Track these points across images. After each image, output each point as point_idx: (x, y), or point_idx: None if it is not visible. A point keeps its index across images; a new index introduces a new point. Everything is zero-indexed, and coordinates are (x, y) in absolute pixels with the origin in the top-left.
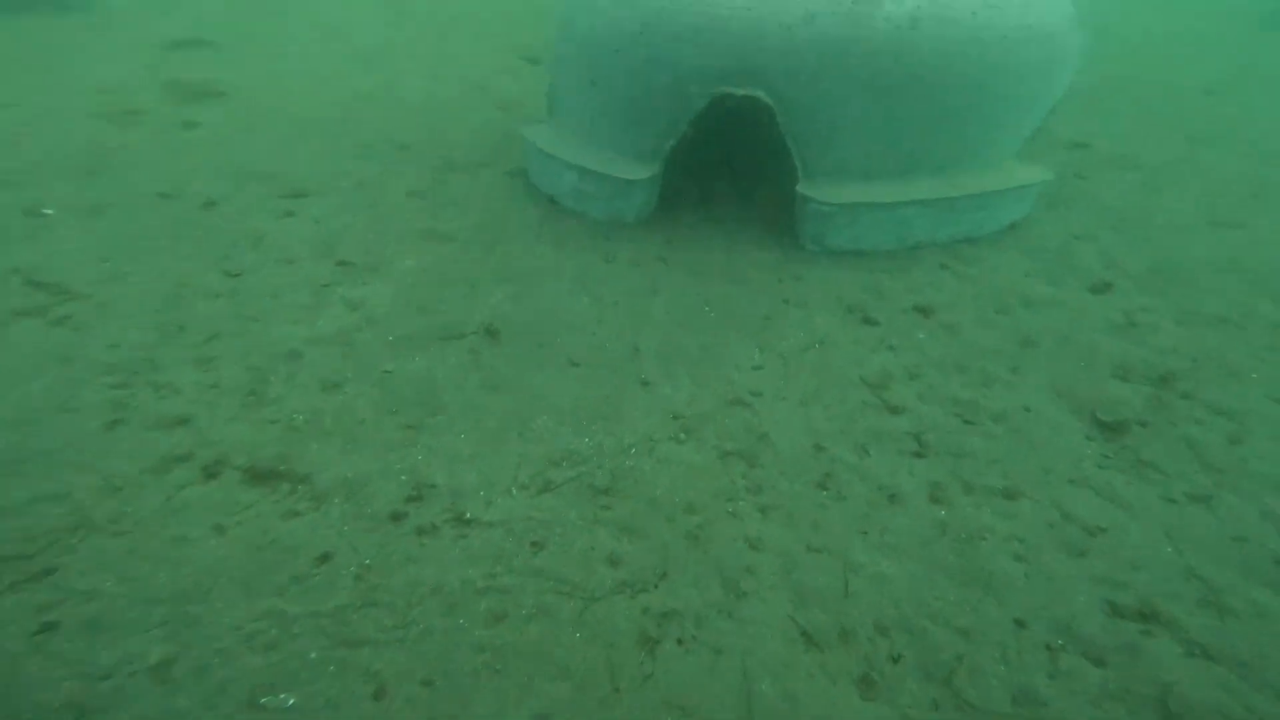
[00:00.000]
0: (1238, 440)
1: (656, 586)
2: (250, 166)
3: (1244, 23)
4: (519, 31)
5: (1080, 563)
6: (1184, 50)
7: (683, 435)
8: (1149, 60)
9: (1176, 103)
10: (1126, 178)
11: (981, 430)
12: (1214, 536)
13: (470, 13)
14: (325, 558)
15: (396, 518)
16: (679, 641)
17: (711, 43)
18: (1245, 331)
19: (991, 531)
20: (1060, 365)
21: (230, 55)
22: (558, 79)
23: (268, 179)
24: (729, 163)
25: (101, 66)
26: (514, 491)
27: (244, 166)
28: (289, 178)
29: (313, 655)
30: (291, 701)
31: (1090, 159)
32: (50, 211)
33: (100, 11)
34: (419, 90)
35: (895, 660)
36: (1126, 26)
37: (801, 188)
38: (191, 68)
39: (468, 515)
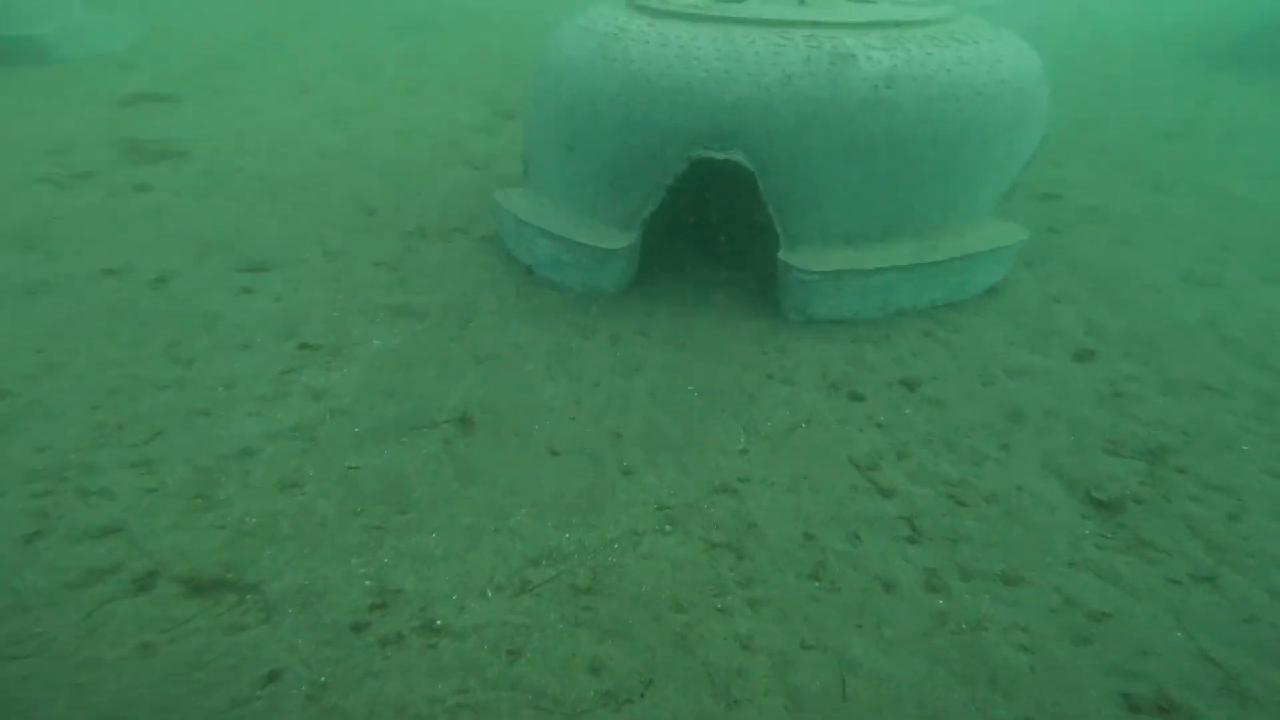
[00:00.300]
0: (1237, 517)
1: (643, 696)
2: (207, 235)
3: (1185, 63)
4: (493, 84)
5: (1088, 651)
6: (1138, 93)
7: (668, 527)
8: (1107, 104)
9: (1139, 148)
10: (1099, 231)
11: (975, 512)
12: (1224, 618)
13: (442, 66)
14: (272, 676)
15: (358, 628)
16: None
17: (690, 104)
18: (1232, 400)
19: (992, 621)
20: (1050, 440)
21: (191, 111)
22: (532, 142)
23: (226, 250)
24: (709, 224)
25: (51, 124)
26: (489, 594)
27: (200, 235)
28: (250, 248)
29: None
30: None
31: (1062, 211)
32: None
33: (55, 64)
34: (389, 149)
35: None
36: (1076, 72)
37: (783, 255)
38: (149, 124)
39: (438, 622)
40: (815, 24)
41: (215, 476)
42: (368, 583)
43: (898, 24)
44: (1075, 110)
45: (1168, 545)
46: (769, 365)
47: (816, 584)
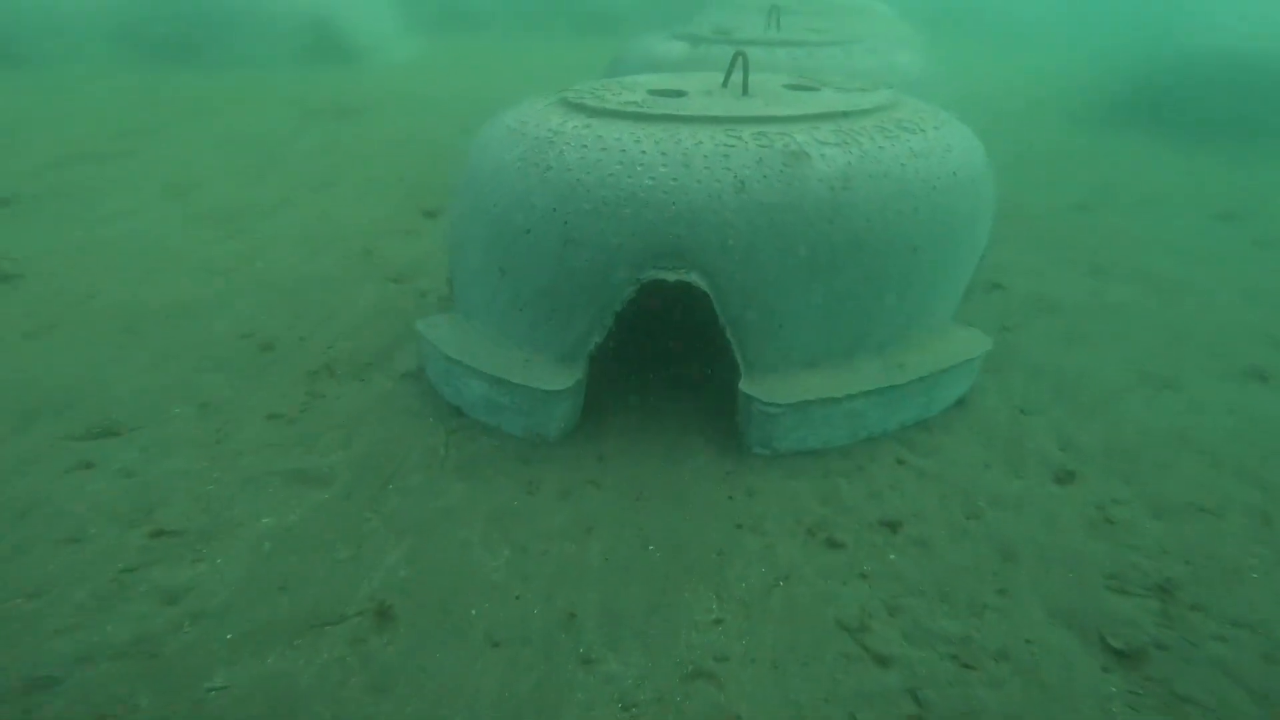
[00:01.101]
0: (1272, 658)
1: None
2: (36, 390)
3: (1073, 125)
4: (416, 176)
5: None
6: (1042, 161)
7: None
8: (1017, 175)
9: (1061, 224)
10: (1049, 327)
11: (985, 675)
12: None
13: (358, 156)
14: None
15: None
16: None
17: (636, 218)
18: (1226, 522)
19: None
20: (1049, 581)
21: (29, 220)
22: (459, 263)
23: (63, 410)
24: (660, 345)
25: None
26: None
27: (27, 390)
28: (96, 406)
29: None
30: None
31: (1010, 303)
32: None
33: None
34: (290, 263)
35: None
36: (982, 140)
37: (745, 386)
38: None
39: None
40: (764, 119)
41: None
42: None
43: (845, 114)
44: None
45: (1208, 699)
46: (737, 512)
47: None
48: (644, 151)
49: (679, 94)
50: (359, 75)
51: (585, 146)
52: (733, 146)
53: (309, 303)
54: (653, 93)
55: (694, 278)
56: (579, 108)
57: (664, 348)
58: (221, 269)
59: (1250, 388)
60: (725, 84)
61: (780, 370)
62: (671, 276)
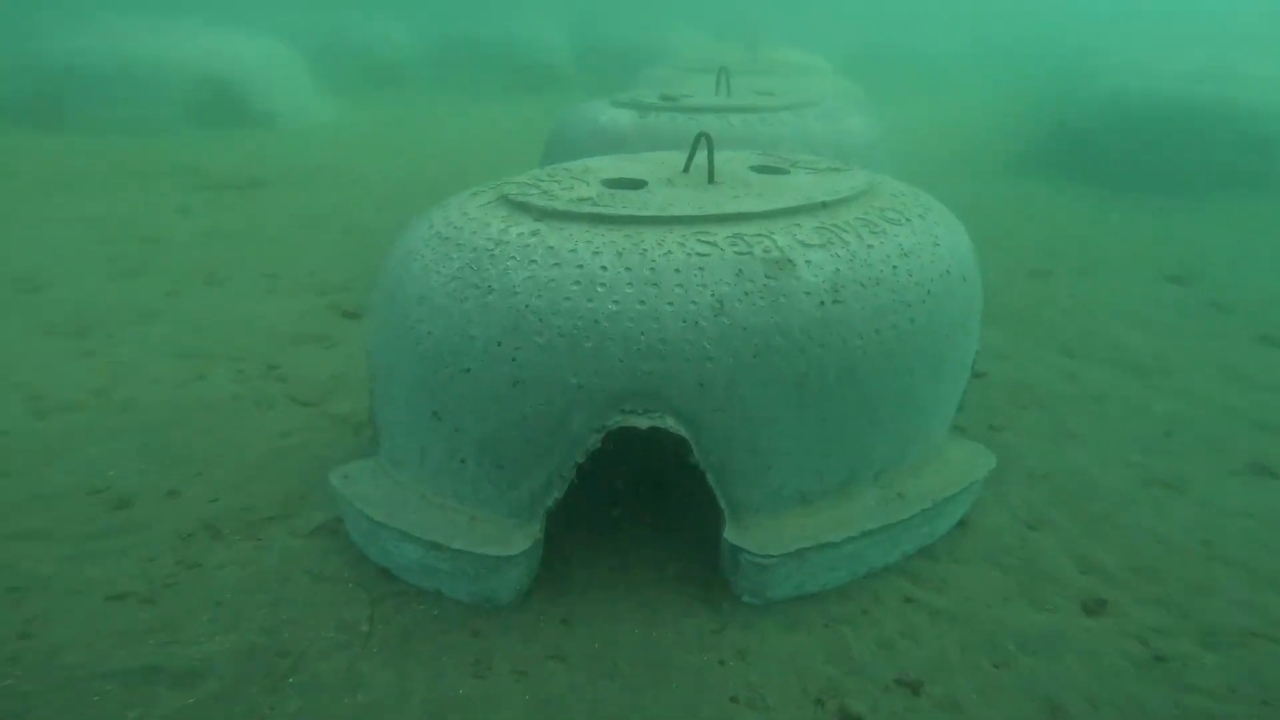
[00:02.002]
0: None
1: None
2: None
3: (996, 174)
4: (330, 265)
5: None
6: (984, 217)
7: None
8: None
9: (1020, 294)
10: (1037, 422)
11: None
12: None
13: (259, 241)
14: None
15: None
16: None
17: (598, 353)
18: None
19: None
20: None
21: None
22: (383, 401)
23: None
24: (629, 474)
25: None
26: None
27: None
28: None
29: None
30: None
31: (991, 394)
32: None
33: None
34: (164, 388)
35: None
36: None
37: (731, 536)
38: None
39: None
40: (738, 217)
41: None
42: None
43: (825, 204)
44: None
45: None
46: (730, 682)
47: None
48: (605, 267)
49: (637, 184)
50: (263, 142)
51: (534, 262)
52: (707, 256)
53: (188, 441)
54: (608, 184)
55: (669, 423)
56: (523, 207)
57: (633, 477)
58: (66, 402)
59: (1259, 484)
60: (687, 168)
61: (769, 510)
62: (644, 423)
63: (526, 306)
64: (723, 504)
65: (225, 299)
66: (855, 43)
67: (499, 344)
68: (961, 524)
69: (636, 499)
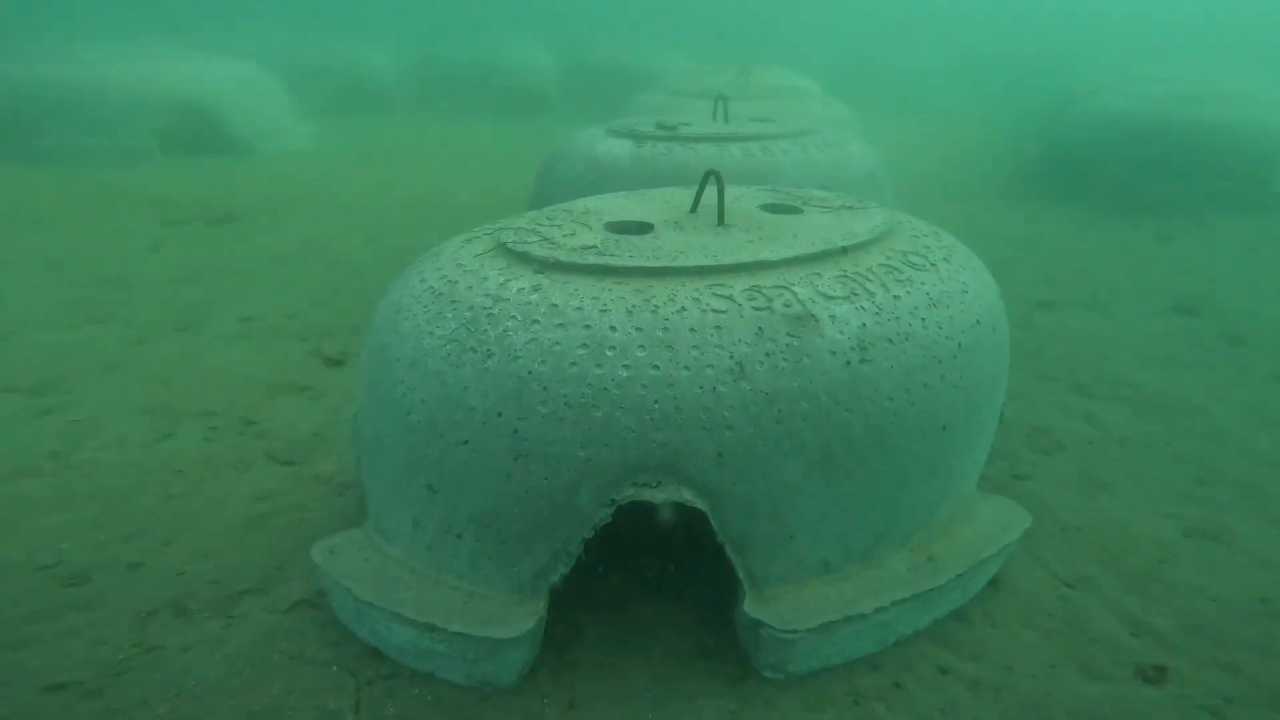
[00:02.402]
0: None
1: None
2: None
3: (989, 197)
4: (309, 309)
5: None
6: (988, 244)
7: None
8: None
9: (1029, 331)
10: (1060, 470)
11: None
12: None
13: (235, 279)
14: None
15: None
16: None
17: (609, 423)
18: None
19: None
20: None
21: None
22: (373, 470)
23: None
24: (639, 544)
25: None
26: None
27: None
28: None
29: None
30: None
31: (1010, 439)
32: None
33: None
34: (128, 448)
35: None
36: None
37: (751, 609)
38: None
39: None
40: (754, 265)
41: None
42: None
43: (845, 250)
44: None
45: None
46: None
47: None
48: (614, 328)
49: (644, 228)
50: (239, 171)
51: (537, 321)
52: (724, 313)
53: (153, 507)
54: (612, 228)
55: (685, 495)
56: (523, 258)
57: (643, 545)
58: (22, 464)
59: None
60: (695, 208)
61: (791, 580)
62: (658, 497)
63: (529, 373)
64: (741, 576)
65: (197, 346)
66: (832, 62)
67: (499, 414)
68: (993, 583)
69: (647, 568)
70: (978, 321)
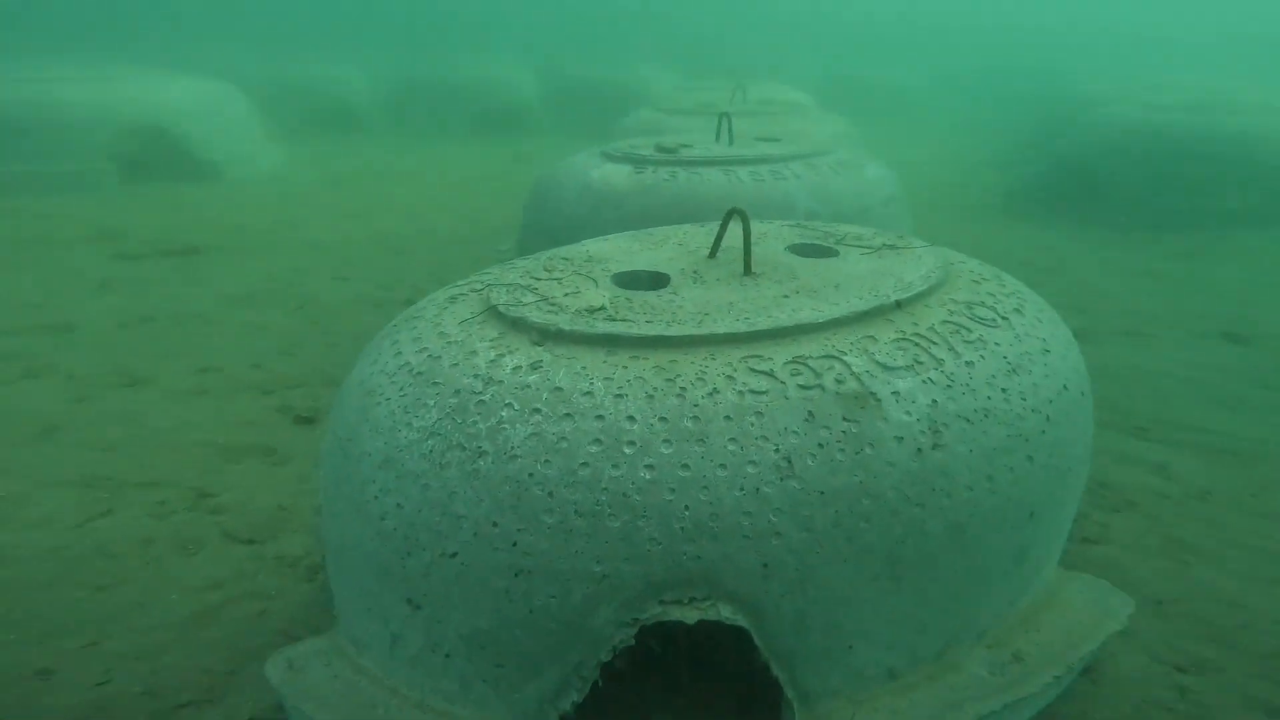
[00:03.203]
0: None
1: None
2: None
3: (985, 211)
4: (276, 359)
5: None
6: (998, 264)
7: None
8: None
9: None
10: (1135, 531)
11: None
12: None
13: (184, 325)
14: None
15: None
16: None
17: (628, 534)
18: None
19: None
20: None
21: None
22: (340, 575)
23: None
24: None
25: None
26: None
27: None
28: None
29: None
30: None
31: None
32: None
33: None
34: (56, 526)
35: None
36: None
37: None
38: None
39: None
40: (795, 330)
41: None
42: None
43: (899, 304)
44: None
45: None
46: None
47: None
48: (632, 418)
49: (658, 280)
50: (202, 198)
51: (538, 411)
52: (764, 394)
53: (78, 601)
54: (621, 280)
55: (724, 613)
56: (519, 324)
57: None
58: None
59: None
60: (714, 253)
61: (849, 693)
62: (690, 616)
63: (530, 476)
64: (790, 694)
65: (147, 404)
66: (819, 76)
67: (495, 524)
68: (1088, 672)
69: (674, 677)
70: (1064, 387)
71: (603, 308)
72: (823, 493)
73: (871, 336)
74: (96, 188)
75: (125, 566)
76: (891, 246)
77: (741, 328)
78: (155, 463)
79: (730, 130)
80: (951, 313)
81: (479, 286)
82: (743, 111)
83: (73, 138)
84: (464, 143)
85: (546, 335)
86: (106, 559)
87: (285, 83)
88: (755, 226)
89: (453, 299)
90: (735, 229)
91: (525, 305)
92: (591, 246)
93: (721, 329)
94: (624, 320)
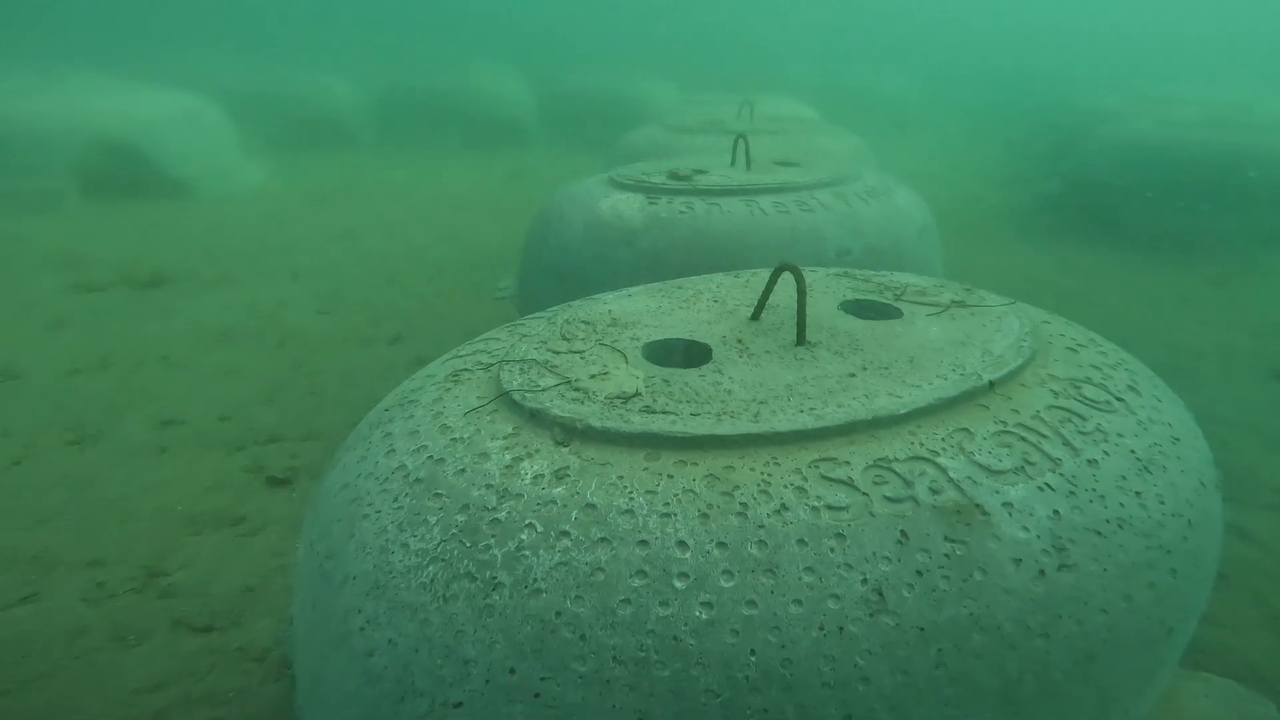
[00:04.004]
0: None
1: None
2: None
3: (1016, 233)
4: (249, 408)
5: None
6: (1034, 298)
7: None
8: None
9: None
10: (1232, 607)
11: None
12: None
13: (146, 368)
14: None
15: None
16: None
17: (680, 686)
18: None
19: None
20: None
21: None
22: (315, 707)
23: None
24: None
25: None
26: None
27: None
28: None
29: None
30: None
31: None
32: None
33: None
34: None
35: None
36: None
37: None
38: None
39: None
40: (872, 424)
41: None
42: None
43: (992, 384)
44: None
45: None
46: None
47: None
48: (684, 542)
49: (696, 352)
50: (173, 219)
51: (567, 535)
52: (845, 511)
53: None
54: (652, 353)
55: None
56: (537, 418)
57: None
58: None
59: None
60: (758, 314)
61: None
62: None
63: (558, 615)
64: None
65: (96, 465)
66: (816, 87)
67: (512, 672)
68: None
69: None
70: (1201, 484)
71: (638, 394)
72: (922, 629)
73: (966, 430)
74: (56, 208)
75: (49, 662)
76: (961, 303)
77: (808, 422)
78: (98, 536)
79: (748, 153)
80: (1056, 395)
81: (486, 360)
82: (753, 130)
83: (30, 154)
84: (457, 156)
85: (572, 433)
86: (27, 652)
87: (267, 93)
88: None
89: (455, 377)
90: (780, 282)
91: (543, 390)
92: (614, 305)
93: (784, 424)
94: (664, 413)
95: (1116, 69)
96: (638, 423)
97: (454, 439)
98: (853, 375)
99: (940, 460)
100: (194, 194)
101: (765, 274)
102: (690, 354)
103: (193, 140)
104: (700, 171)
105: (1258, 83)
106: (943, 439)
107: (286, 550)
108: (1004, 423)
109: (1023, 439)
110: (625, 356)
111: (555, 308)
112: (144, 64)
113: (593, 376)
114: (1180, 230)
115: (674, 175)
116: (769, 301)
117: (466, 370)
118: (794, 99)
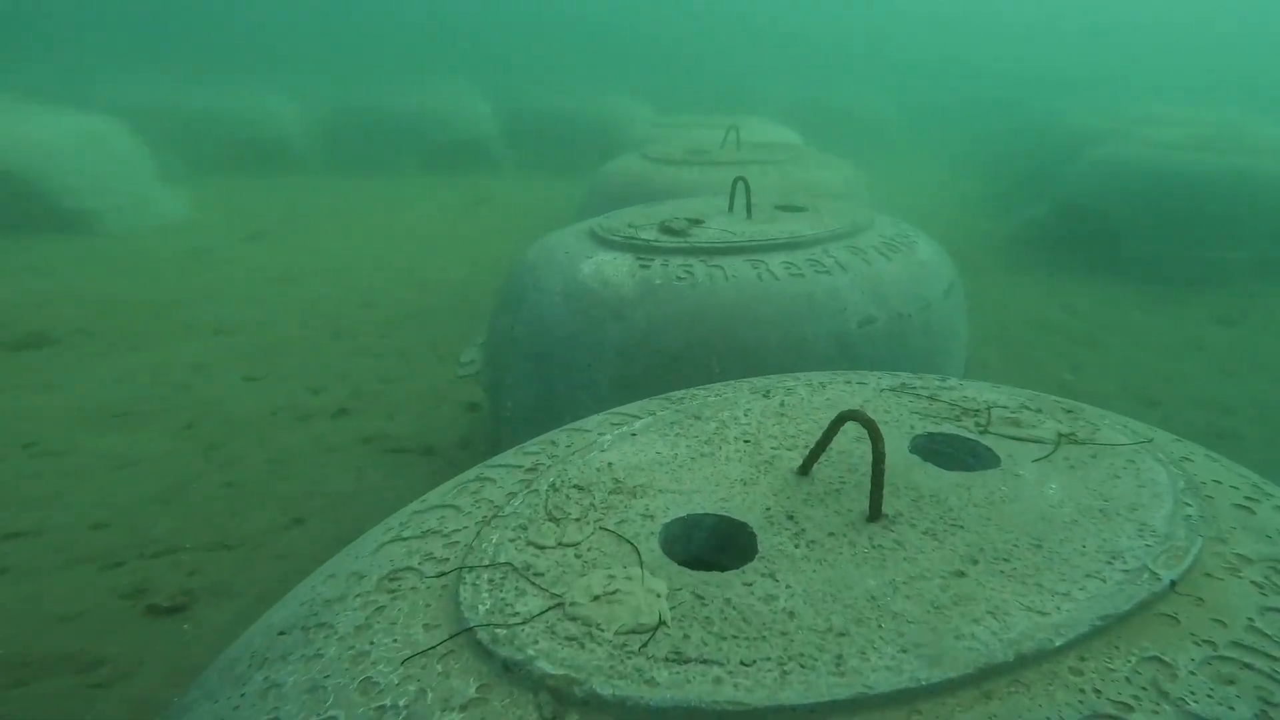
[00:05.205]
0: None
1: None
2: None
3: (1007, 263)
4: (140, 512)
5: None
6: (1017, 342)
7: None
8: (1021, 367)
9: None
10: None
11: None
12: None
13: (22, 461)
14: None
15: None
16: None
17: None
18: None
19: None
20: None
21: None
22: None
23: None
24: None
25: None
26: None
27: None
28: None
29: None
30: None
31: None
32: None
33: None
34: None
35: None
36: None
37: None
38: None
39: None
40: (1019, 662)
41: None
42: None
43: (1173, 584)
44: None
45: None
46: None
47: None
48: None
49: (733, 532)
50: (70, 260)
51: None
52: None
53: None
54: (672, 539)
55: None
56: (517, 672)
57: None
58: None
59: None
60: (807, 469)
61: None
62: None
63: None
64: None
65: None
66: (789, 107)
67: None
68: None
69: None
70: None
71: (661, 624)
72: None
73: (1158, 659)
74: None
75: None
76: (1072, 437)
77: (918, 671)
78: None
79: (748, 197)
80: (1261, 587)
81: (439, 552)
82: (740, 160)
83: None
84: (414, 182)
85: (569, 703)
86: None
87: (197, 112)
88: (840, 388)
89: (392, 584)
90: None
91: (524, 625)
92: (615, 453)
93: (881, 678)
94: (703, 661)
95: (1095, 89)
96: (665, 683)
97: (381, 708)
98: (962, 574)
99: (1134, 718)
100: (97, 229)
101: (801, 386)
102: (723, 535)
103: (96, 167)
104: (696, 222)
105: (1234, 100)
106: (1128, 678)
107: (158, 704)
108: (1211, 643)
109: (1248, 666)
110: (638, 551)
111: (534, 447)
112: (45, 83)
113: (594, 599)
114: (1176, 261)
115: (667, 229)
116: (845, 460)
117: (408, 571)
118: (774, 122)
